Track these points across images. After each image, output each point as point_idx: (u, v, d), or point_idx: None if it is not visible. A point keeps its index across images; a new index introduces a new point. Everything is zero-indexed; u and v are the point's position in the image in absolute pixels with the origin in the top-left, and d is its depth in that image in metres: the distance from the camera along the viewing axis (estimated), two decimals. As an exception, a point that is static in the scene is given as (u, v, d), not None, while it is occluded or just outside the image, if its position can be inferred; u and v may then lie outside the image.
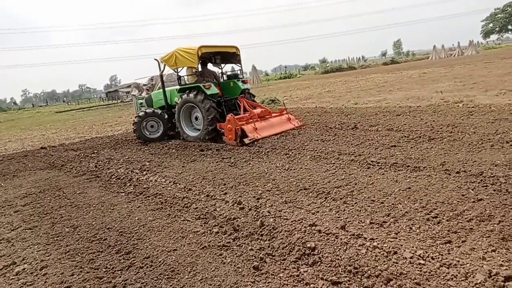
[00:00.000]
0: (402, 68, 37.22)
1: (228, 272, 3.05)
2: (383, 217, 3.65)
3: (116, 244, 3.83)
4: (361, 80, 27.40)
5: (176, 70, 9.70)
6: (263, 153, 7.20)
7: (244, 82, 10.21)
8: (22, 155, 10.82)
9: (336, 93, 19.27)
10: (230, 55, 10.32)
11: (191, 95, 9.08)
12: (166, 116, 10.25)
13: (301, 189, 4.74)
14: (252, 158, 6.94)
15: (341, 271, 2.81)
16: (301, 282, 2.77)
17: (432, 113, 9.15)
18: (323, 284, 2.70)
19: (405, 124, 8.00)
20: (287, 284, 2.77)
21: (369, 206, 3.95)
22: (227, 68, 11.09)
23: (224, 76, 10.67)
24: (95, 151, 9.90)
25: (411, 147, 6.15)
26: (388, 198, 4.09)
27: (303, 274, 2.86)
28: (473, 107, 9.29)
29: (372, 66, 60.50)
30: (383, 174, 4.99)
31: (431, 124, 7.67)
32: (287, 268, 2.98)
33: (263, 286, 2.79)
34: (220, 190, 5.17)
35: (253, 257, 3.22)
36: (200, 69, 10.01)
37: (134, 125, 10.30)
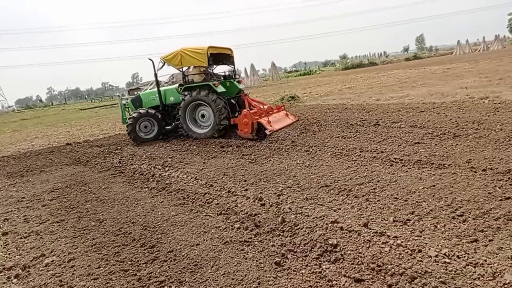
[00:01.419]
0: (425, 64, 36.43)
1: (250, 267, 3.07)
2: (407, 215, 3.61)
3: (141, 238, 3.92)
4: (382, 76, 26.96)
5: (180, 69, 9.93)
6: (283, 149, 7.20)
7: (239, 82, 10.71)
8: (49, 151, 11.15)
9: (357, 89, 19.03)
10: (225, 56, 10.55)
11: (201, 93, 9.31)
12: (160, 116, 10.35)
13: (322, 186, 4.72)
14: (273, 154, 6.96)
15: (364, 269, 2.80)
16: (324, 279, 2.77)
17: (457, 109, 8.94)
18: (345, 281, 2.69)
19: (429, 121, 7.84)
20: (309, 280, 2.78)
21: (392, 203, 3.91)
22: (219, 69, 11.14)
23: (221, 76, 10.85)
24: (119, 147, 10.11)
25: (436, 144, 6.03)
26: (412, 196, 4.03)
27: (325, 270, 2.86)
28: (499, 103, 9.02)
29: (394, 62, 59.40)
30: (407, 171, 4.92)
31: (456, 121, 7.49)
32: (309, 264, 2.99)
33: (285, 281, 2.80)
34: (241, 186, 5.20)
35: (275, 253, 3.24)
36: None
37: (128, 126, 10.19)
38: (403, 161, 5.33)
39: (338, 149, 6.52)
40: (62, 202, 5.62)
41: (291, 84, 36.81)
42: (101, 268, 3.35)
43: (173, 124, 10.69)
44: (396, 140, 6.66)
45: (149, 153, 8.27)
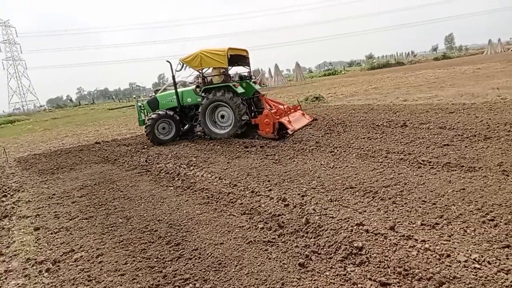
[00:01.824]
0: (454, 64, 35.37)
1: (274, 267, 3.08)
2: (435, 218, 3.52)
3: (166, 235, 3.99)
4: (410, 76, 26.36)
5: (200, 70, 10.08)
6: (308, 150, 7.16)
7: (254, 83, 10.72)
8: (78, 149, 11.51)
9: (384, 89, 18.68)
10: (241, 58, 10.60)
11: (223, 94, 9.42)
12: (178, 117, 10.47)
13: (347, 188, 4.66)
14: (297, 155, 6.93)
15: (390, 272, 2.75)
16: (348, 282, 2.74)
17: (488, 110, 8.63)
18: (371, 285, 2.65)
19: (458, 122, 7.61)
20: (333, 283, 2.75)
21: (420, 207, 3.82)
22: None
23: (236, 77, 10.88)
24: (145, 146, 10.32)
25: (466, 146, 5.85)
26: (440, 199, 3.92)
27: (350, 273, 2.83)
28: (535, 104, 8.65)
29: (422, 62, 57.96)
30: (435, 174, 4.79)
31: (487, 122, 7.23)
32: (333, 266, 2.96)
33: (309, 283, 2.79)
34: (265, 186, 5.21)
35: (299, 254, 3.23)
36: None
37: (147, 127, 10.26)
38: (431, 164, 5.20)
39: (364, 151, 6.42)
40: (91, 199, 5.79)
41: (316, 84, 36.54)
42: (128, 264, 3.43)
43: (188, 125, 10.89)
44: (424, 141, 6.50)
45: (175, 152, 8.39)
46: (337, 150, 6.75)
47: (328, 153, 6.73)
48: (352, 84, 27.29)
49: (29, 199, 6.32)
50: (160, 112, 10.27)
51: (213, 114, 9.89)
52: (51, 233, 4.54)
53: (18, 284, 3.39)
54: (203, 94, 9.84)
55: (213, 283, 2.96)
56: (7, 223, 5.17)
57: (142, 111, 11.35)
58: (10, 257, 4.02)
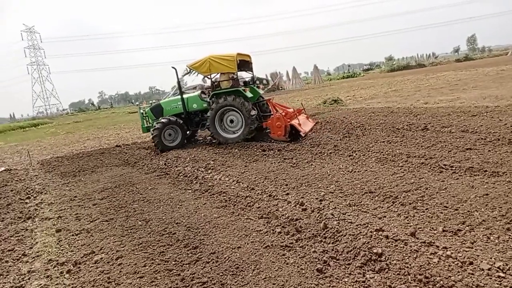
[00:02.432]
0: (477, 65, 34.52)
1: (292, 273, 3.05)
2: (458, 225, 3.43)
3: (184, 238, 4.01)
4: (431, 78, 25.87)
5: (209, 76, 10.17)
6: (326, 154, 7.10)
7: (258, 87, 10.86)
8: (100, 152, 11.74)
9: (404, 92, 18.39)
10: (246, 63, 10.63)
11: (233, 99, 9.49)
12: (183, 124, 10.43)
13: (366, 192, 4.60)
14: (314, 159, 6.88)
15: (411, 280, 2.69)
16: (367, 288, 2.69)
17: (513, 113, 8.38)
18: (391, 292, 2.60)
19: (481, 126, 7.41)
20: (352, 289, 2.71)
21: (441, 212, 3.73)
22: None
23: (240, 82, 10.90)
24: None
25: (489, 151, 5.68)
26: (463, 205, 3.82)
27: (369, 280, 2.78)
28: None
29: (443, 63, 56.85)
30: (457, 179, 4.67)
31: (511, 126, 7.02)
32: (352, 273, 2.92)
33: (327, 289, 2.76)
34: (282, 190, 5.19)
35: (317, 260, 3.19)
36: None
37: (154, 134, 10.09)
38: (453, 168, 5.08)
39: (383, 154, 6.32)
40: (111, 201, 5.89)
41: (334, 87, 36.28)
42: (147, 267, 3.46)
43: (190, 130, 10.95)
44: (446, 145, 6.35)
45: (193, 156, 8.46)
46: (356, 154, 6.67)
47: (347, 157, 6.65)
48: (371, 86, 26.97)
49: (51, 201, 6.48)
50: (166, 119, 10.21)
51: (222, 119, 9.93)
52: (72, 235, 4.64)
53: (40, 284, 3.47)
54: (211, 99, 9.88)
55: (230, 287, 2.96)
56: (30, 225, 5.31)
57: (145, 118, 11.23)
58: (33, 257, 4.12)
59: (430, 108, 11.25)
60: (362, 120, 10.35)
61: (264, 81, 52.52)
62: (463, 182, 4.49)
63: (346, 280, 2.84)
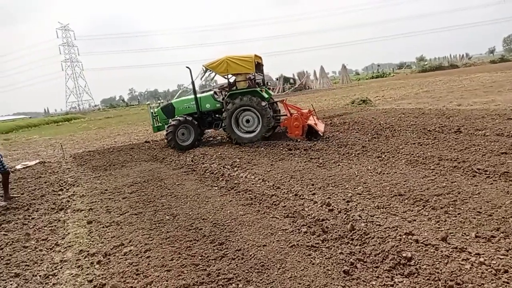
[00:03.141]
0: (515, 66, 33.07)
1: (318, 273, 3.03)
2: (491, 231, 3.30)
3: (211, 234, 4.06)
4: (464, 79, 25.01)
5: (226, 76, 10.24)
6: (353, 154, 7.00)
7: (268, 89, 10.87)
8: (129, 147, 12.02)
9: (436, 93, 17.87)
10: (258, 65, 10.58)
11: (250, 99, 9.56)
12: (196, 123, 10.41)
13: (396, 195, 4.49)
14: (342, 159, 6.79)
15: (441, 286, 2.62)
16: (396, 293, 2.63)
17: (554, 117, 7.99)
18: (420, 297, 2.53)
19: (518, 129, 7.10)
20: (380, 293, 2.66)
21: (474, 218, 3.60)
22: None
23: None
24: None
25: (527, 156, 5.44)
26: (497, 211, 3.68)
27: (397, 284, 2.72)
28: None
29: (477, 65, 54.82)
30: (492, 184, 4.50)
31: (552, 130, 6.69)
32: (380, 276, 2.86)
33: (354, 291, 2.72)
34: (308, 190, 5.15)
35: (343, 261, 3.15)
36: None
37: (169, 133, 10.12)
38: (487, 172, 4.89)
39: (414, 157, 6.16)
40: (140, 195, 6.02)
41: (362, 87, 35.68)
42: (174, 261, 3.52)
43: (202, 130, 10.95)
44: (479, 149, 6.13)
45: (219, 153, 8.52)
46: (385, 155, 6.54)
47: (375, 158, 6.53)
48: (401, 87, 26.36)
49: (83, 193, 6.69)
50: (182, 117, 10.24)
51: (238, 119, 9.95)
52: (103, 227, 4.77)
53: (71, 273, 3.59)
54: (227, 99, 9.92)
55: (256, 284, 2.96)
56: (63, 216, 5.51)
57: (155, 117, 11.22)
58: (65, 248, 4.27)
59: (463, 110, 10.89)
60: (391, 121, 10.15)
61: (291, 80, 52.40)
62: (497, 187, 4.32)
63: (373, 283, 2.79)
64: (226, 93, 10.64)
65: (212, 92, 11.07)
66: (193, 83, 10.43)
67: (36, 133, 26.52)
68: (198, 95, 10.73)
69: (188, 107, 10.68)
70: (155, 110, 11.25)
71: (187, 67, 10.42)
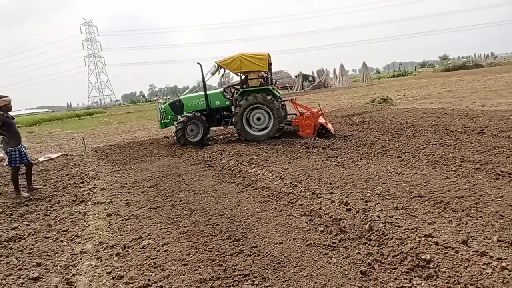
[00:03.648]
0: (543, 66, 31.96)
1: (334, 273, 3.01)
2: (515, 235, 3.21)
3: (227, 230, 4.08)
4: (489, 79, 24.32)
5: (239, 73, 10.20)
6: (372, 154, 6.91)
7: (276, 88, 10.83)
8: (149, 142, 12.19)
9: (459, 93, 17.45)
10: (268, 64, 10.54)
11: (263, 97, 9.58)
12: (205, 120, 10.34)
13: (416, 196, 4.42)
14: (360, 158, 6.72)
15: (461, 290, 2.56)
16: (414, 295, 2.59)
17: None
18: (439, 301, 2.49)
19: (546, 132, 6.87)
20: (397, 295, 2.62)
21: (497, 221, 3.51)
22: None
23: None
24: (209, 143, 10.64)
25: (554, 159, 5.26)
26: (521, 215, 3.57)
27: (416, 286, 2.68)
28: None
29: (503, 64, 53.16)
30: (516, 187, 4.37)
31: None
32: (398, 277, 2.82)
33: (371, 292, 2.69)
34: (326, 189, 5.11)
35: (361, 262, 3.12)
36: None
37: (179, 128, 10.08)
38: (511, 175, 4.75)
39: (435, 157, 6.04)
40: (159, 190, 6.10)
41: (383, 85, 35.15)
42: (191, 255, 3.56)
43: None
44: (504, 151, 5.96)
45: (237, 150, 8.55)
46: (405, 156, 6.43)
47: (395, 158, 6.43)
48: (423, 86, 25.85)
49: (103, 186, 6.82)
50: (191, 113, 10.22)
51: (248, 117, 9.93)
52: (122, 220, 4.86)
53: (91, 265, 3.68)
54: (239, 97, 9.94)
55: (271, 281, 2.97)
56: (83, 208, 5.63)
57: (162, 113, 11.11)
58: (85, 239, 4.37)
59: (488, 110, 10.60)
60: (412, 121, 9.97)
61: (310, 78, 52.04)
62: (522, 191, 4.20)
63: (391, 284, 2.76)
64: (236, 90, 10.70)
65: (221, 89, 11.08)
66: (203, 79, 10.40)
67: (59, 126, 27.18)
68: (208, 92, 10.66)
69: (197, 103, 10.65)
70: (163, 106, 11.17)
71: (198, 63, 10.41)
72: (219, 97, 10.64)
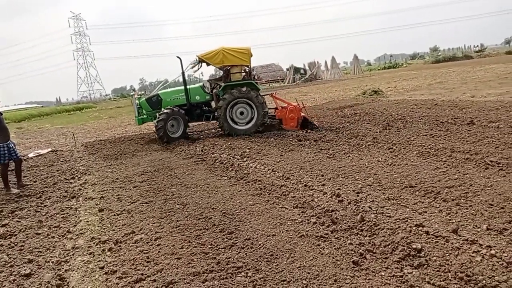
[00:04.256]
0: (531, 57, 32.33)
1: (327, 263, 3.03)
2: (503, 223, 3.26)
3: (220, 223, 4.08)
4: (479, 70, 24.55)
5: (222, 67, 10.16)
6: (364, 146, 6.95)
7: (256, 83, 10.80)
8: (140, 137, 12.13)
9: (449, 84, 17.59)
10: None
11: (248, 91, 9.60)
12: (186, 115, 10.05)
13: (406, 187, 4.46)
14: (352, 150, 6.75)
15: (451, 277, 2.60)
16: (405, 284, 2.62)
17: None
18: (429, 289, 2.52)
19: (534, 121, 6.97)
20: (389, 284, 2.65)
21: (486, 210, 3.56)
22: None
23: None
24: (201, 136, 10.61)
25: (542, 148, 5.34)
26: (509, 203, 3.63)
27: (407, 275, 2.71)
28: None
29: (492, 55, 53.63)
30: (504, 176, 4.44)
31: None
32: (389, 267, 2.86)
33: (363, 282, 2.72)
34: (318, 181, 5.13)
35: (353, 252, 3.15)
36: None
37: (160, 126, 9.57)
38: (500, 165, 4.82)
39: (426, 148, 6.10)
40: (150, 184, 6.08)
41: (374, 77, 35.29)
42: (184, 249, 3.56)
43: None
44: (493, 141, 6.04)
45: (229, 143, 8.54)
46: (396, 147, 6.48)
47: (386, 149, 6.48)
48: (414, 78, 26.02)
49: (94, 182, 6.78)
50: (170, 109, 9.79)
51: (231, 111, 9.84)
52: (114, 215, 4.84)
53: (83, 260, 3.66)
54: (218, 91, 9.91)
55: (265, 273, 2.98)
56: (75, 203, 5.59)
57: (139, 109, 10.62)
58: (77, 235, 4.34)
59: (477, 101, 10.72)
60: (403, 112, 10.05)
61: (302, 71, 52.03)
62: (510, 180, 4.27)
63: (382, 273, 2.79)
64: (215, 85, 10.60)
65: (201, 84, 10.90)
66: (183, 73, 10.19)
67: (48, 122, 26.88)
68: (187, 87, 10.41)
69: (177, 98, 10.35)
70: (140, 101, 10.70)
71: (177, 57, 10.15)
72: (199, 92, 10.46)
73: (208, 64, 10.37)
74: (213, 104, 10.54)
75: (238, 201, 4.76)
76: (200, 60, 10.14)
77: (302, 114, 9.94)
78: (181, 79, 10.62)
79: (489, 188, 4.08)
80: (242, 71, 10.21)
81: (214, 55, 9.77)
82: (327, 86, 31.04)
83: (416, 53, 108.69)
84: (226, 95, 9.66)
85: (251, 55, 10.20)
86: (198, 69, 10.56)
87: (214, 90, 10.44)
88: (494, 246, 2.88)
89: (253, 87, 9.76)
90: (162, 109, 9.98)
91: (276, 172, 5.81)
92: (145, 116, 10.58)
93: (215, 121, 10.25)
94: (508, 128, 6.77)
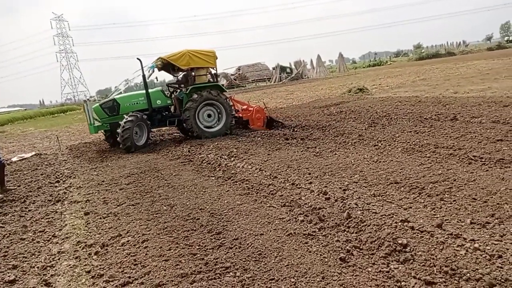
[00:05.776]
0: (510, 54, 33.04)
1: (314, 261, 3.05)
2: (486, 217, 3.33)
3: (208, 224, 4.07)
4: (461, 67, 24.98)
5: (187, 70, 9.96)
6: (350, 143, 7.01)
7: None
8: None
9: (433, 81, 17.86)
10: None
11: (217, 94, 9.74)
12: (148, 121, 9.59)
13: (392, 183, 4.51)
14: (338, 148, 6.81)
15: (436, 271, 2.64)
16: (392, 279, 2.66)
17: (549, 104, 8.01)
18: (415, 283, 2.56)
19: (514, 116, 7.12)
20: (376, 279, 2.68)
21: (469, 204, 3.63)
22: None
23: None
24: (187, 137, 10.53)
25: (522, 142, 5.46)
26: (492, 197, 3.70)
27: (393, 270, 2.75)
28: None
29: (474, 52, 54.70)
30: (487, 170, 4.53)
31: (547, 117, 6.72)
32: (376, 263, 2.89)
33: (350, 278, 2.74)
34: (305, 179, 5.16)
35: (340, 249, 3.17)
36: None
37: (125, 132, 8.83)
38: (483, 160, 4.92)
39: (410, 145, 6.18)
40: (137, 186, 6.02)
41: (359, 75, 35.60)
42: (172, 251, 3.54)
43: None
44: (475, 136, 6.15)
45: (216, 143, 8.52)
46: (381, 144, 6.55)
47: (372, 146, 6.55)
48: (398, 75, 26.33)
49: (80, 185, 6.68)
50: (134, 116, 9.10)
51: (198, 113, 9.72)
52: (100, 218, 4.78)
53: (69, 264, 3.60)
54: (178, 95, 10.01)
55: (253, 272, 2.98)
56: (60, 207, 5.50)
57: (91, 116, 9.71)
58: (63, 239, 4.28)
59: (460, 97, 10.91)
60: (388, 110, 10.16)
61: (288, 70, 52.17)
62: (493, 174, 4.35)
63: (369, 269, 2.82)
64: (174, 89, 10.57)
65: (160, 88, 10.58)
66: (144, 76, 9.70)
67: (32, 125, 26.39)
68: (149, 91, 9.86)
69: (137, 103, 9.74)
70: (93, 107, 9.81)
71: (138, 58, 9.67)
72: (160, 96, 10.08)
73: (172, 67, 10.11)
74: (172, 109, 10.36)
75: (226, 201, 4.75)
76: (165, 62, 9.83)
77: (266, 114, 10.58)
78: (138, 82, 10.39)
79: (472, 183, 4.15)
80: (208, 73, 10.19)
81: (180, 56, 9.57)
82: (313, 84, 31.20)
83: (400, 51, 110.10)
84: (195, 96, 9.49)
85: (217, 58, 10.13)
86: (151, 74, 10.22)
87: (175, 94, 10.34)
88: (478, 240, 2.93)
89: (221, 90, 9.95)
90: (124, 116, 9.19)
91: (264, 171, 5.82)
92: (100, 124, 9.76)
93: (176, 126, 10.38)
94: (490, 123, 6.91)
